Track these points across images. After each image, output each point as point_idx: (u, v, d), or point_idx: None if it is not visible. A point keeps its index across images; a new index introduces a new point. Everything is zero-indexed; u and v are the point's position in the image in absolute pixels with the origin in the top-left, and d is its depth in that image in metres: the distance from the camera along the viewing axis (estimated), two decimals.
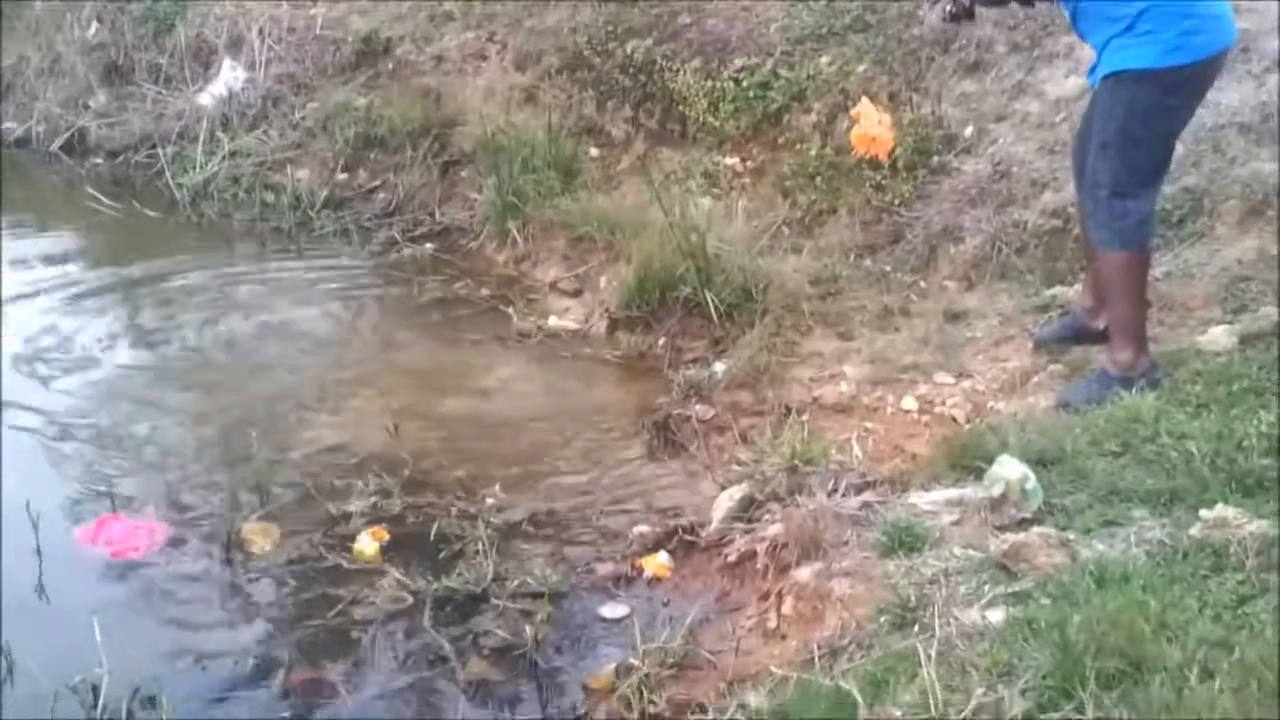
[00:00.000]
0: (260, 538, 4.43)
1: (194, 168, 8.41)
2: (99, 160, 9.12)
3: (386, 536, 4.40)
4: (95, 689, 3.47)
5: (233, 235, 7.87)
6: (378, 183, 8.18)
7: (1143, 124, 4.21)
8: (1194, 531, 3.28)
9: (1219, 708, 2.49)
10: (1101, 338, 4.58)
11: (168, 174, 8.43)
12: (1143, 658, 2.74)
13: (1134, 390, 4.20)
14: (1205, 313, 4.79)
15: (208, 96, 8.97)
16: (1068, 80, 6.05)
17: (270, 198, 8.11)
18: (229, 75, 9.02)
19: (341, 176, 8.27)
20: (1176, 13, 4.10)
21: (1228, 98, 5.53)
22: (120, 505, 4.62)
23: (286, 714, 3.59)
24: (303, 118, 8.68)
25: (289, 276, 7.26)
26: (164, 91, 9.25)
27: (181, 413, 5.47)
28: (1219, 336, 4.51)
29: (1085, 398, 4.33)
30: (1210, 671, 2.66)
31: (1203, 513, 3.32)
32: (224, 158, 8.45)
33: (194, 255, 7.45)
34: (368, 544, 4.35)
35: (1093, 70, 4.38)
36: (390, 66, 8.77)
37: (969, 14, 4.64)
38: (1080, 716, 2.59)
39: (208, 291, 6.95)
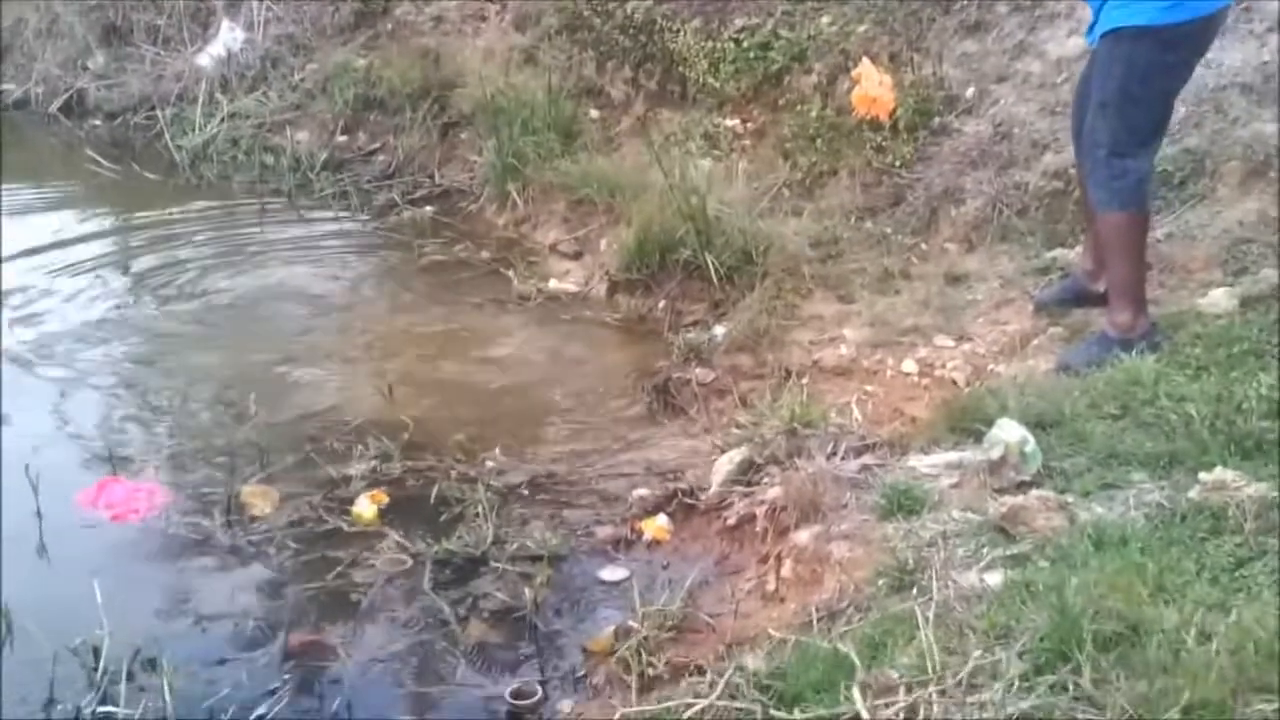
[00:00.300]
0: (260, 500, 4.43)
1: (193, 130, 8.42)
2: (98, 122, 9.13)
3: (385, 500, 4.40)
4: (96, 651, 3.48)
5: (232, 197, 7.86)
6: (377, 145, 8.18)
7: (1142, 82, 4.19)
8: (1193, 494, 3.29)
9: (1216, 670, 2.49)
10: (1102, 300, 4.56)
11: (167, 136, 8.44)
12: (1140, 620, 2.75)
13: (1133, 353, 4.18)
14: (1206, 275, 4.77)
15: (206, 58, 8.95)
16: (1069, 40, 6.01)
17: (269, 160, 8.13)
18: (228, 36, 9.00)
19: (341, 138, 8.27)
20: None
21: (1229, 58, 5.50)
22: (120, 467, 4.62)
23: (286, 675, 3.59)
24: (302, 79, 8.68)
25: (288, 239, 7.25)
26: (162, 52, 9.23)
27: (180, 374, 5.46)
28: (1219, 299, 4.50)
29: (1085, 360, 4.32)
30: (1207, 634, 2.67)
31: (1201, 475, 3.32)
32: (223, 119, 8.45)
33: (193, 217, 7.44)
34: (366, 507, 4.35)
35: (1091, 29, 4.36)
36: (389, 27, 8.75)
37: None
38: (1077, 679, 2.59)
39: (206, 253, 6.94)
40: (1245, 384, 3.80)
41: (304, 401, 5.18)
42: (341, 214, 7.55)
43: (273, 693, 3.51)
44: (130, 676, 3.47)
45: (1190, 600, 2.83)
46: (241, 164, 8.17)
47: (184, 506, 4.43)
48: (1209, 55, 5.30)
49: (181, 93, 8.82)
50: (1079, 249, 5.04)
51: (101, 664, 3.47)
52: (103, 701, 3.40)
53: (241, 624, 3.84)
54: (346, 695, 3.50)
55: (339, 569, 4.07)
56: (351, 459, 4.65)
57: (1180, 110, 5.31)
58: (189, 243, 7.10)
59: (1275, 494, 3.20)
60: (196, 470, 4.70)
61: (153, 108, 8.80)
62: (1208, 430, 3.62)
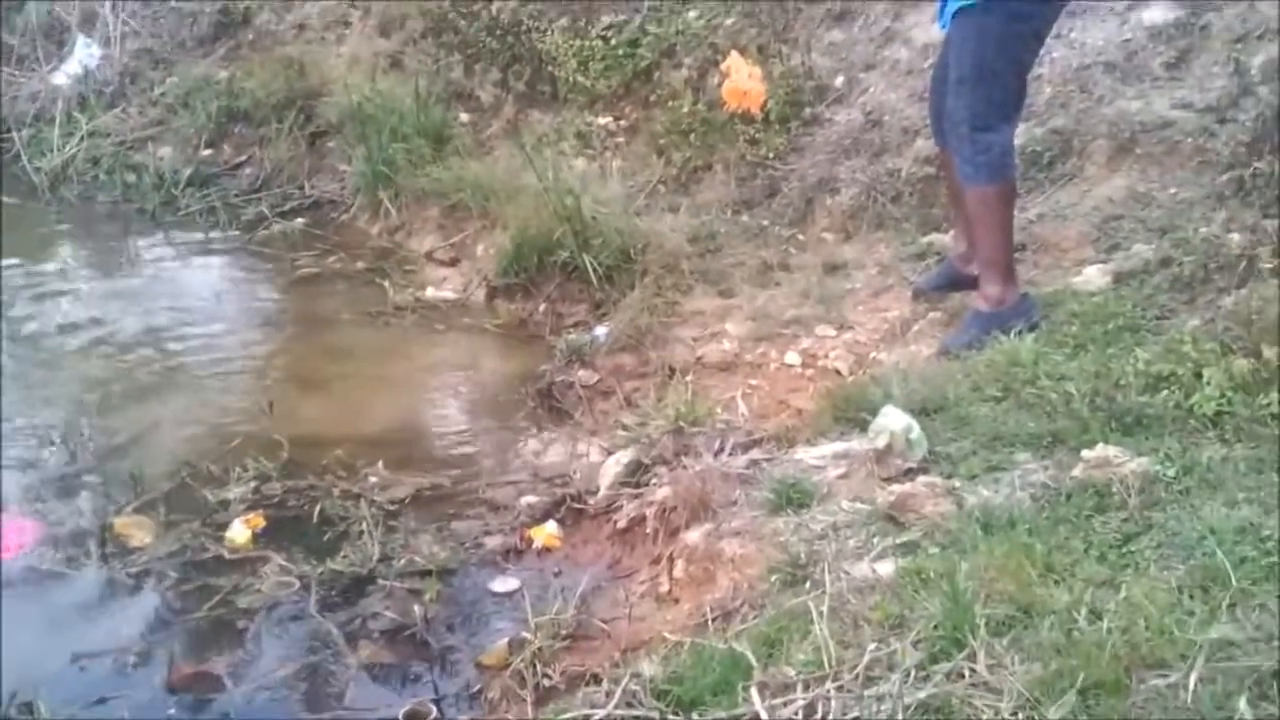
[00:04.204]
0: (137, 530, 4.27)
1: (51, 150, 8.15)
2: None
3: (262, 523, 4.26)
4: None
5: (95, 218, 7.64)
6: (243, 158, 8.00)
7: (995, 54, 4.23)
8: (1076, 472, 3.32)
9: (1109, 648, 2.50)
10: (976, 283, 4.59)
11: (24, 158, 8.16)
12: (1031, 602, 2.77)
13: (1012, 333, 4.22)
14: (1079, 253, 4.84)
15: (62, 76, 8.71)
16: (934, 25, 6.03)
17: (132, 178, 7.90)
18: (83, 53, 8.76)
19: (205, 153, 8.07)
20: None
21: (1091, 37, 5.58)
22: None
23: (171, 710, 3.48)
24: (162, 94, 8.47)
25: (154, 258, 7.07)
26: (16, 73, 8.94)
27: (44, 403, 5.25)
28: (1093, 276, 4.56)
29: (964, 342, 4.35)
30: (1098, 612, 2.69)
31: (1084, 453, 3.36)
32: (82, 138, 8.20)
33: (56, 240, 7.23)
34: (239, 531, 4.21)
35: (942, 13, 4.42)
36: (250, 37, 8.61)
37: None
38: (972, 665, 2.59)
39: (71, 276, 6.74)
40: (1122, 360, 3.85)
41: (178, 424, 5.02)
42: (210, 231, 7.36)
43: None
44: None
45: (1079, 579, 2.85)
46: (103, 183, 7.92)
47: (58, 541, 4.27)
48: (1072, 35, 5.40)
49: (38, 113, 8.54)
50: (952, 233, 5.07)
51: None
52: None
53: (122, 659, 3.70)
54: None
55: (222, 596, 3.94)
56: (229, 482, 4.51)
57: (1046, 90, 5.40)
58: (50, 265, 6.88)
59: (1157, 468, 3.24)
60: (69, 502, 4.51)
61: (8, 130, 8.51)
62: (1088, 407, 3.66)
